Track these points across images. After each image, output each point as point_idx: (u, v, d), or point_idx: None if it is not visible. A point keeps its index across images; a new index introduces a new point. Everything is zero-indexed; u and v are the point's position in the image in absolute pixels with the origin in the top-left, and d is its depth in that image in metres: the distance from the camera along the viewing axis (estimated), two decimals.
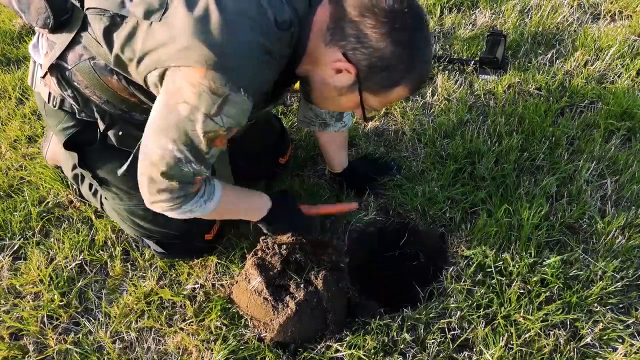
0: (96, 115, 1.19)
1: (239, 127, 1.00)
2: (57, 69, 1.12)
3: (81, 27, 1.04)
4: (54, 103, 1.21)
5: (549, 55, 2.01)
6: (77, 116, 1.21)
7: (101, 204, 1.51)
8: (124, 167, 1.15)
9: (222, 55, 0.90)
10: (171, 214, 1.10)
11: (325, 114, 1.45)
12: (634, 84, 1.89)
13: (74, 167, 1.53)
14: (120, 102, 1.14)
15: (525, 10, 2.26)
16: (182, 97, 0.94)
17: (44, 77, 1.16)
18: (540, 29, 2.15)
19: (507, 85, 1.90)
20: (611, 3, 2.28)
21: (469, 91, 1.90)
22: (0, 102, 2.05)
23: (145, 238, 1.40)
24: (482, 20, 2.20)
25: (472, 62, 1.97)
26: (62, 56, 1.10)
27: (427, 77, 1.08)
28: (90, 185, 1.52)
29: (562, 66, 1.97)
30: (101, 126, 1.20)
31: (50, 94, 1.20)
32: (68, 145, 1.26)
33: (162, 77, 0.96)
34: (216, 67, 0.90)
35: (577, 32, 2.13)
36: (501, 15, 2.24)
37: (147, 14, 0.94)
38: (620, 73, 1.93)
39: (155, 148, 0.99)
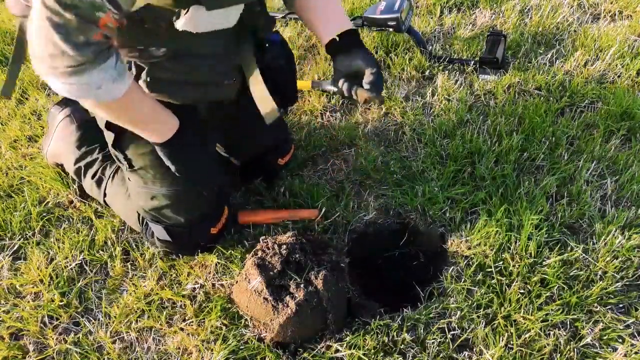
0: None
1: None
2: None
3: None
4: None
5: (549, 55, 2.01)
6: None
7: (104, 195, 1.52)
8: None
9: None
10: (69, 89, 0.93)
11: None
12: (634, 84, 1.89)
13: (77, 162, 1.56)
14: (130, 41, 1.08)
15: (525, 10, 2.26)
16: None
17: None
18: (540, 29, 2.15)
19: (507, 85, 1.90)
20: (611, 3, 2.29)
21: (469, 91, 1.90)
22: (0, 102, 2.05)
23: (155, 222, 1.39)
24: (482, 20, 2.20)
25: (472, 62, 1.97)
26: None
27: None
28: (93, 176, 1.53)
29: (562, 66, 1.97)
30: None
31: None
32: (109, 124, 1.25)
33: None
34: None
35: (577, 32, 2.13)
36: (501, 15, 2.24)
37: None
38: (620, 73, 1.93)
39: None
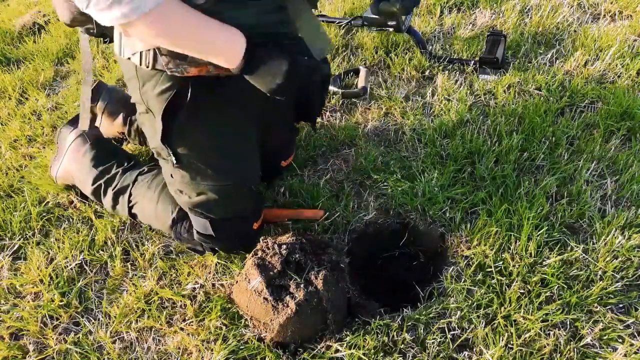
0: None
1: None
2: None
3: None
4: (147, 62, 1.14)
5: (549, 55, 2.01)
6: (169, 72, 1.14)
7: (129, 202, 1.50)
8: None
9: None
10: (104, 6, 0.92)
11: None
12: (634, 84, 1.89)
13: (95, 181, 1.53)
14: None
15: (525, 10, 2.26)
16: None
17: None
18: (540, 29, 2.16)
19: (507, 85, 1.90)
20: (611, 3, 2.29)
21: (469, 91, 1.90)
22: (0, 102, 2.05)
23: (201, 217, 1.37)
24: (482, 20, 2.20)
25: (472, 62, 1.97)
26: None
27: None
28: (116, 190, 1.51)
29: (562, 66, 1.97)
30: None
31: (141, 53, 1.14)
32: (164, 113, 1.21)
33: None
34: None
35: (577, 32, 2.13)
36: (501, 15, 2.24)
37: None
38: (620, 73, 1.93)
39: None
